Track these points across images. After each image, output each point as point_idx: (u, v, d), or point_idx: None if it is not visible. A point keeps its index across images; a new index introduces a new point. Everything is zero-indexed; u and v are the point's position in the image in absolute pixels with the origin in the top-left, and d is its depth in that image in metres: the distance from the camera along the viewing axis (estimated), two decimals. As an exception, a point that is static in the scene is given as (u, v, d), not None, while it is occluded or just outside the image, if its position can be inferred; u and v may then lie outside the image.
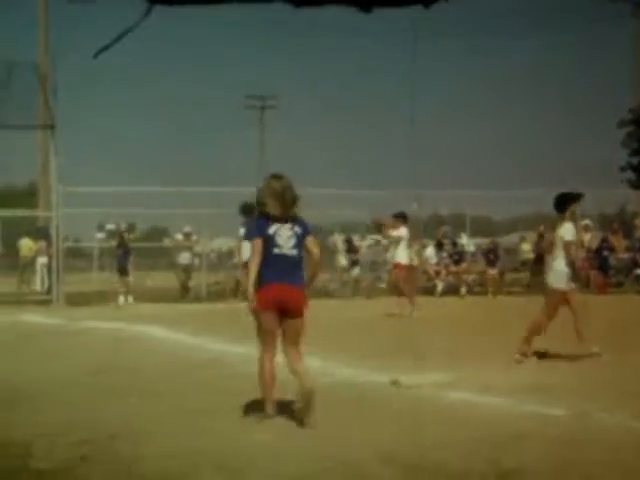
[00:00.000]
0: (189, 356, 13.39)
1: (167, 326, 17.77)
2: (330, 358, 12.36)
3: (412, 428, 7.92)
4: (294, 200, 8.44)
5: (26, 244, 30.51)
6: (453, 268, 29.15)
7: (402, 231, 20.75)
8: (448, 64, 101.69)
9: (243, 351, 13.53)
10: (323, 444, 7.31)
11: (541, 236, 25.37)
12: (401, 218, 21.05)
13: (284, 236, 8.28)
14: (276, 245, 8.23)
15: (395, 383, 10.18)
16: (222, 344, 14.69)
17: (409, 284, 21.22)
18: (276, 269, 8.20)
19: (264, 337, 8.38)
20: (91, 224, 30.93)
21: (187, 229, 29.30)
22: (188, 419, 8.50)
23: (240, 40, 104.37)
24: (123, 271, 25.69)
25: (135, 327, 17.95)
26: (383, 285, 28.52)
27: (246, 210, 16.37)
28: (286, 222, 8.34)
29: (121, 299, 25.35)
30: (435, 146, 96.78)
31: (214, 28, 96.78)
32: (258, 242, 8.27)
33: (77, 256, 32.05)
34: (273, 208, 8.32)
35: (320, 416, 8.04)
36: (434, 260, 29.79)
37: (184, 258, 28.77)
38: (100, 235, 30.96)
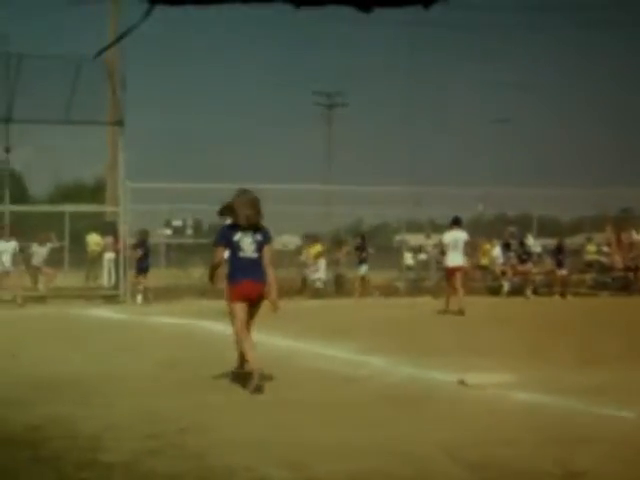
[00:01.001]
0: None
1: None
2: (393, 357, 12.39)
3: (479, 427, 7.89)
4: (258, 212, 10.38)
5: (93, 239, 30.76)
6: (520, 268, 28.92)
7: (452, 235, 21.62)
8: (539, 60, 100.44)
9: (308, 348, 13.61)
10: (392, 441, 7.30)
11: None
12: (454, 223, 21.90)
13: (247, 242, 10.25)
14: (241, 250, 10.23)
15: (461, 382, 10.15)
16: (287, 340, 14.73)
17: (456, 285, 21.47)
18: (242, 269, 10.20)
19: (236, 320, 10.28)
20: (158, 220, 31.14)
21: None
22: (254, 413, 8.57)
23: (307, 37, 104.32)
24: (141, 270, 25.73)
25: (201, 322, 18.08)
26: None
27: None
28: (249, 230, 10.27)
29: (139, 298, 25.46)
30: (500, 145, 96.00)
31: (279, 27, 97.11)
32: (220, 249, 10.43)
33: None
34: (240, 219, 10.28)
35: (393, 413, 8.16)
36: (501, 260, 29.61)
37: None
38: (167, 231, 31.17)
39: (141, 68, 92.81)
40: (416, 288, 30.08)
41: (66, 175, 75.93)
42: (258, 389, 9.60)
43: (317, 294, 28.16)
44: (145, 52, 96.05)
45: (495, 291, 28.96)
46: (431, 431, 7.67)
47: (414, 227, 33.32)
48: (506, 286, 29.03)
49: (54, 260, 28.99)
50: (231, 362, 11.36)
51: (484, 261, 30.24)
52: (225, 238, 10.36)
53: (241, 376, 10.20)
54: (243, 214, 10.27)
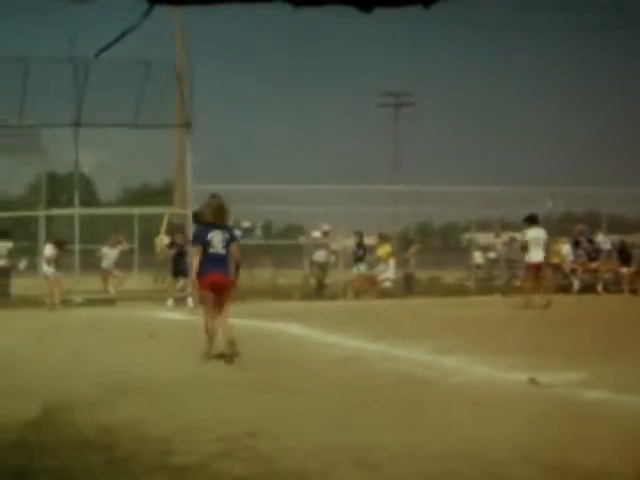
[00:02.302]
0: (326, 353, 13.43)
1: (304, 323, 17.90)
2: (464, 357, 12.35)
3: (550, 427, 7.79)
4: (226, 213, 12.77)
5: (163, 240, 30.96)
6: (589, 265, 28.81)
7: (533, 232, 22.28)
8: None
9: (379, 349, 13.57)
10: (464, 443, 7.23)
11: None
12: (530, 220, 22.64)
13: (217, 240, 12.17)
14: (212, 246, 12.12)
15: (532, 381, 10.04)
16: (358, 341, 14.70)
17: (535, 282, 22.28)
18: (212, 263, 12.13)
19: (206, 308, 12.42)
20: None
21: (326, 227, 29.49)
22: (326, 416, 8.52)
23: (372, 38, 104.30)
24: (177, 273, 25.65)
25: (273, 324, 18.11)
26: (518, 283, 28.30)
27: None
28: (220, 229, 12.27)
29: (169, 302, 25.36)
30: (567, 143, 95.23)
31: (343, 28, 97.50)
32: (198, 248, 12.30)
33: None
34: (212, 219, 12.37)
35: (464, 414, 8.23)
36: (571, 258, 29.46)
37: (320, 256, 28.93)
38: (237, 232, 31.34)
39: (208, 69, 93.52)
40: (486, 287, 30.01)
41: (134, 178, 76.89)
42: (229, 359, 11.95)
43: (386, 294, 28.12)
44: (212, 53, 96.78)
45: (565, 289, 28.81)
46: (503, 432, 7.57)
47: (483, 226, 33.23)
48: (576, 284, 28.93)
49: (125, 263, 29.38)
50: (303, 364, 11.41)
51: (555, 259, 30.05)
52: (200, 238, 12.42)
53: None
54: (214, 215, 12.40)
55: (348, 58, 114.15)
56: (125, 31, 3.64)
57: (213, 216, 12.37)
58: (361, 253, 28.40)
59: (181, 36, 33.79)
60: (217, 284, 12.18)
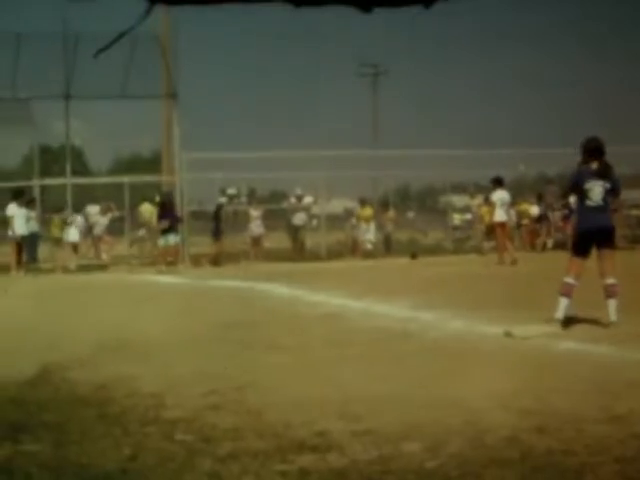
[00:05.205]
0: (310, 312, 13.66)
1: (289, 284, 18.16)
2: (442, 312, 12.64)
3: (526, 376, 8.04)
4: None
5: (147, 209, 31.06)
6: (561, 225, 29.30)
7: (499, 194, 24.16)
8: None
9: (361, 306, 13.83)
10: (445, 392, 7.49)
11: None
12: (496, 182, 24.49)
13: None
14: None
15: (508, 334, 10.32)
16: (341, 299, 14.95)
17: (502, 239, 24.02)
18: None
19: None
20: (214, 189, 31.52)
21: (299, 191, 29.93)
22: (311, 370, 8.78)
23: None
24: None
25: (258, 285, 18.36)
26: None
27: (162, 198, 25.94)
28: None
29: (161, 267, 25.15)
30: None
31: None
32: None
33: (200, 219, 32.65)
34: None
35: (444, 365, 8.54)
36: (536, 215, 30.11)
37: (298, 219, 29.39)
38: (222, 199, 31.48)
39: (193, 39, 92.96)
40: (462, 247, 30.53)
41: (124, 148, 76.85)
42: None
43: (368, 255, 28.56)
44: (197, 24, 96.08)
45: (540, 247, 29.56)
46: (480, 382, 7.80)
47: (458, 189, 33.59)
48: (549, 242, 29.73)
49: (115, 229, 29.74)
50: (288, 322, 11.61)
51: (525, 220, 30.55)
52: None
53: None
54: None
55: (331, 29, 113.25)
56: (124, 31, 3.68)
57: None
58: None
59: (165, 7, 33.77)
60: None
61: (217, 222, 27.69)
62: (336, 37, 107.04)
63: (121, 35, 3.67)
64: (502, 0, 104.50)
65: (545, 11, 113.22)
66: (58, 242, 26.62)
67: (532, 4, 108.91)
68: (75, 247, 27.34)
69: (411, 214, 34.13)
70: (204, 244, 28.80)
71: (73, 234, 27.10)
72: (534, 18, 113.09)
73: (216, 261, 26.75)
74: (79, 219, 27.82)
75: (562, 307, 10.78)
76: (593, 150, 11.11)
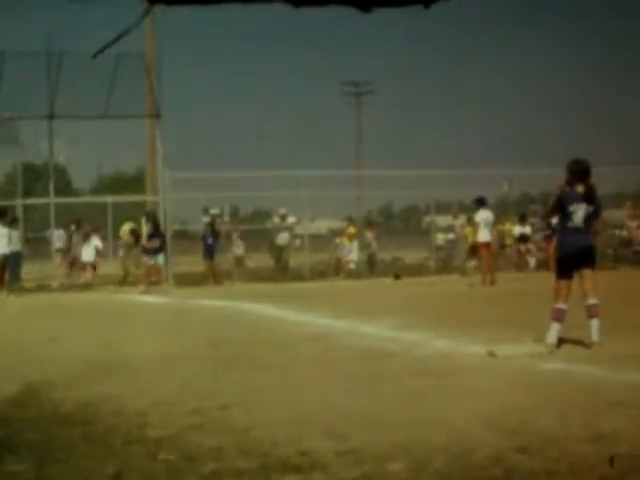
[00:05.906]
0: (295, 331, 13.68)
1: (273, 303, 18.18)
2: (425, 332, 12.69)
3: (510, 396, 8.09)
4: None
5: (124, 231, 30.92)
6: (543, 245, 29.42)
7: (482, 214, 24.06)
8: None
9: (346, 325, 13.86)
10: (429, 412, 7.52)
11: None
12: (479, 202, 24.44)
13: None
14: None
15: (491, 354, 10.36)
16: (326, 319, 14.98)
17: (487, 260, 23.94)
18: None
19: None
20: (197, 208, 31.55)
21: (282, 211, 29.93)
22: (296, 389, 8.79)
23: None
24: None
25: (243, 305, 18.38)
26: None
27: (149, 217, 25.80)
28: None
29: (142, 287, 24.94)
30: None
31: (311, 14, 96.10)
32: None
33: (183, 239, 32.60)
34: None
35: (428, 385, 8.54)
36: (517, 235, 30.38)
37: (282, 238, 29.41)
38: (205, 218, 31.48)
39: (178, 59, 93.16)
40: (446, 267, 30.60)
41: (108, 167, 76.72)
42: None
43: (351, 275, 28.59)
44: (182, 44, 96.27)
45: (522, 267, 29.67)
46: (465, 401, 7.88)
47: (442, 209, 33.72)
48: (532, 262, 29.85)
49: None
50: (273, 341, 11.62)
51: (508, 240, 30.72)
52: None
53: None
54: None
55: (316, 48, 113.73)
56: (123, 31, 3.68)
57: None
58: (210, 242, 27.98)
59: (150, 26, 33.79)
60: None
61: (209, 241, 27.50)
62: (320, 56, 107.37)
63: (120, 36, 3.66)
64: (486, 19, 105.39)
65: (527, 29, 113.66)
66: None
67: (515, 23, 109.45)
68: (93, 267, 27.64)
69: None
70: (187, 263, 28.78)
71: (87, 254, 27.32)
72: (517, 36, 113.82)
73: (217, 280, 26.76)
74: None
75: (554, 332, 10.78)
76: (579, 172, 11.17)
